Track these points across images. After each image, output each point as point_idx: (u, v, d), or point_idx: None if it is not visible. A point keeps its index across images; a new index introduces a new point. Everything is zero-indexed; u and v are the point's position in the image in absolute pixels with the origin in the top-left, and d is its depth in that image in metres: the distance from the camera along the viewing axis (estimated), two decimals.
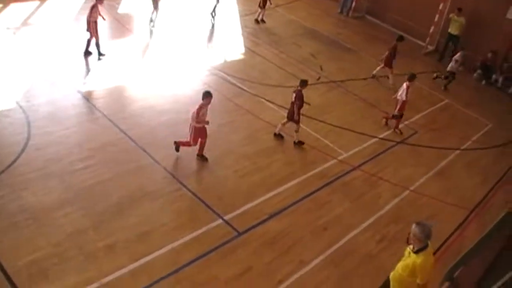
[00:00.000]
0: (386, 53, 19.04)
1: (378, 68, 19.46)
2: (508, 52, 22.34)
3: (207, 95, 11.95)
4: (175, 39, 18.80)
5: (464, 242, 11.88)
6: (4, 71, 14.36)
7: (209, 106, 12.10)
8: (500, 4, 21.99)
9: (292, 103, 13.70)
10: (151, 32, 18.96)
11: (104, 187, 10.96)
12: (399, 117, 15.82)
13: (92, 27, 15.45)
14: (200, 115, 11.88)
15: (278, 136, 14.28)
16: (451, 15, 22.79)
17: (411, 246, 7.86)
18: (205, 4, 22.66)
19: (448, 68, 20.49)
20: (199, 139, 12.28)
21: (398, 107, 15.64)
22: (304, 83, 13.71)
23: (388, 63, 19.01)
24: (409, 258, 7.87)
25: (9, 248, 9.05)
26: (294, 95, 13.59)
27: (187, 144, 12.28)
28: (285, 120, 14.02)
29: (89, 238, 9.67)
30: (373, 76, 19.54)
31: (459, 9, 22.43)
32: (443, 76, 20.77)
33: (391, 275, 8.26)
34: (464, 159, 15.86)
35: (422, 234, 7.52)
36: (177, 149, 12.47)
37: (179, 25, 20.10)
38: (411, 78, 15.61)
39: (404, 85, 15.51)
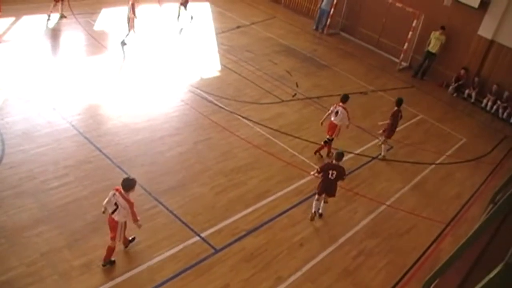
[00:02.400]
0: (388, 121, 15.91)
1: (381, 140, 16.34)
2: (479, 68, 22.72)
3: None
4: (152, 56, 18.78)
5: (440, 255, 12.01)
6: None
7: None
8: (471, 21, 22.41)
9: (331, 180, 12.00)
10: (124, 49, 18.91)
11: (79, 205, 10.85)
12: (331, 142, 14.91)
13: None
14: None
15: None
16: (432, 33, 23.11)
17: None
18: (182, 21, 22.78)
19: None
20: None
21: (336, 132, 14.59)
22: (340, 156, 12.12)
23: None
24: None
25: None
26: (334, 172, 11.92)
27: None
28: (323, 195, 12.33)
29: (64, 257, 9.55)
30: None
31: (443, 28, 22.81)
32: None
33: None
34: (439, 173, 16.05)
35: None
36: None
37: (155, 43, 20.09)
38: (345, 99, 14.49)
39: (341, 108, 14.31)
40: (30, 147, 12.25)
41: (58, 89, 15.00)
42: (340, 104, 14.45)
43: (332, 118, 14.53)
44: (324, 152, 15.02)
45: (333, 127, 14.60)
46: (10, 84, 14.62)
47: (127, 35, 19.08)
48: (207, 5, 26.02)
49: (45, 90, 14.77)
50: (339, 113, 14.35)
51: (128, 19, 18.84)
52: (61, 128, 13.27)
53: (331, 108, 14.55)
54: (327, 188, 12.17)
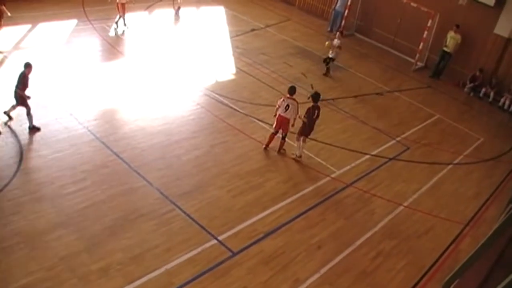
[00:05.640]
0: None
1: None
2: (496, 67, 22.53)
3: None
4: (167, 60, 18.86)
5: (458, 256, 11.91)
6: None
7: None
8: (487, 20, 22.24)
9: None
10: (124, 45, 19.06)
11: (97, 210, 10.91)
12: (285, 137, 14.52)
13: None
14: None
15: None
16: (449, 33, 22.96)
17: None
18: (196, 25, 22.90)
19: (332, 55, 20.72)
20: None
21: (290, 127, 14.19)
22: None
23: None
24: None
25: (1, 273, 8.97)
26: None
27: None
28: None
29: (82, 261, 9.60)
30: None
31: (457, 26, 22.64)
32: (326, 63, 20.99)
33: None
34: (456, 173, 15.93)
35: None
36: None
37: (170, 47, 20.18)
38: (293, 91, 14.11)
39: (290, 101, 13.93)
40: (47, 152, 12.36)
41: (75, 95, 15.11)
42: (288, 96, 14.07)
43: (282, 112, 14.01)
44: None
45: (285, 122, 14.10)
46: (28, 90, 14.73)
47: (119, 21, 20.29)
48: (221, 8, 26.10)
49: (62, 96, 14.89)
50: (290, 107, 13.91)
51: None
52: (78, 133, 13.37)
53: (279, 102, 14.17)
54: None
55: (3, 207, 10.40)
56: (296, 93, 14.19)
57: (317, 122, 14.41)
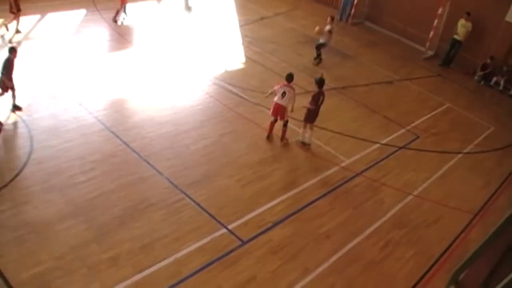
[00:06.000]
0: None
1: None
2: (507, 55, 22.33)
3: None
4: (175, 50, 18.84)
5: (468, 246, 11.86)
6: None
7: None
8: (499, 7, 22.02)
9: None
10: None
11: (106, 199, 10.95)
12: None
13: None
14: None
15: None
16: (459, 21, 22.74)
17: None
18: (205, 14, 22.86)
19: (323, 41, 20.22)
20: None
21: (287, 114, 14.12)
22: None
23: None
24: None
25: (12, 262, 9.03)
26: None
27: None
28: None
29: (92, 250, 9.65)
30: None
31: (468, 13, 22.40)
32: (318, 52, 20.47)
33: None
34: (466, 162, 15.84)
35: None
36: None
37: (178, 36, 20.15)
38: (290, 79, 14.07)
39: (287, 88, 13.86)
40: (57, 142, 12.39)
41: (84, 85, 15.12)
42: (285, 83, 13.98)
43: (278, 100, 13.92)
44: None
45: (281, 110, 13.99)
46: (37, 81, 14.79)
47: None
48: None
49: (71, 86, 14.90)
50: (286, 94, 13.82)
51: None
52: (88, 123, 13.40)
53: (275, 87, 14.11)
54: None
55: (14, 197, 10.47)
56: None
57: (322, 108, 14.35)
